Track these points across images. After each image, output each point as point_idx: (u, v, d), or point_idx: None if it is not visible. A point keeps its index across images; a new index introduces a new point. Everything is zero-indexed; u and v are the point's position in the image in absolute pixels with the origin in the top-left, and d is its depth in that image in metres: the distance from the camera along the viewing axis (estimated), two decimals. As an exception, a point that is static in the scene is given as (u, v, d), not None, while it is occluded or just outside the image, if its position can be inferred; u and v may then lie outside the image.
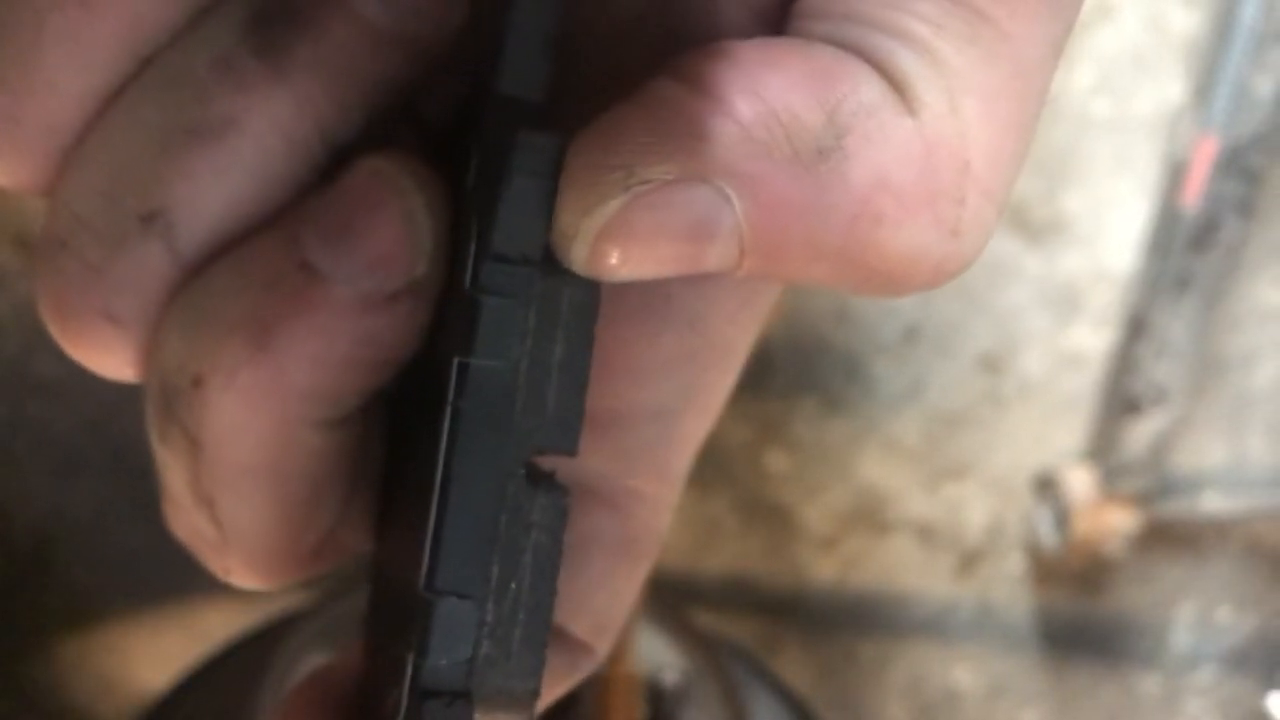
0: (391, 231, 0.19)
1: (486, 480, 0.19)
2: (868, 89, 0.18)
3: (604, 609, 0.24)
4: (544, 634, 0.20)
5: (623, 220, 0.18)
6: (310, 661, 0.78)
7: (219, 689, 0.83)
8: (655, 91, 0.19)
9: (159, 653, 1.09)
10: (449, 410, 0.19)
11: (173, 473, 0.20)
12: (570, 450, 0.20)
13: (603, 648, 0.24)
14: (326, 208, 0.19)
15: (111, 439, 1.05)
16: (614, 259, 0.19)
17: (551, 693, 0.24)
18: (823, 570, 1.15)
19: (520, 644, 0.20)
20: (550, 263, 0.19)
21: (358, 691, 0.24)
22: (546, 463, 0.21)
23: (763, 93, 0.18)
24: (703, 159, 0.18)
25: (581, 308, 0.20)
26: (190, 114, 0.19)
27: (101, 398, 1.02)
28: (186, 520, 0.21)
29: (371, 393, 0.20)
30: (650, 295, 0.22)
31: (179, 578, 1.09)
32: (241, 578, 0.22)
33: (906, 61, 0.18)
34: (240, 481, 0.20)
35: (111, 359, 0.20)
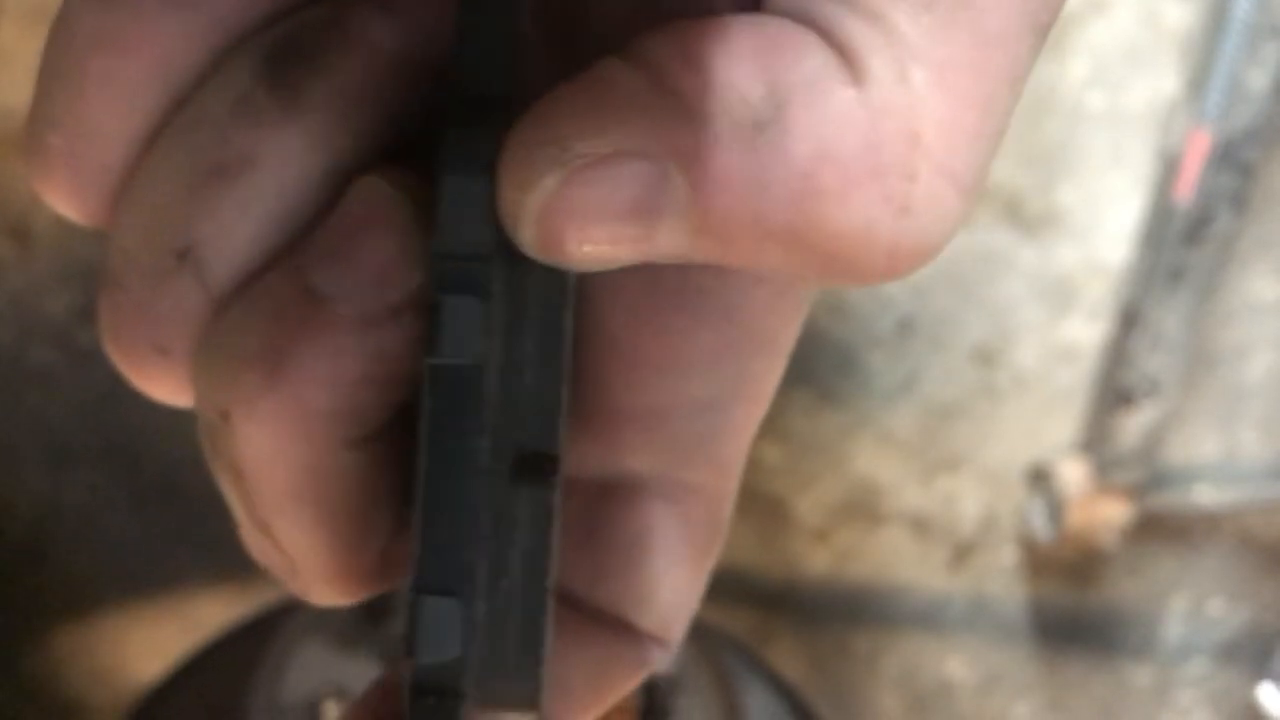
0: (383, 245, 0.19)
1: (462, 479, 0.19)
2: (811, 59, 0.17)
3: (670, 602, 0.24)
4: (541, 633, 0.20)
5: (563, 197, 0.18)
6: (304, 652, 0.78)
7: (213, 678, 0.83)
8: (598, 70, 0.18)
9: (154, 642, 1.09)
10: (423, 412, 0.19)
11: (231, 500, 0.21)
12: (550, 446, 0.20)
13: (674, 638, 0.24)
14: (324, 232, 0.20)
15: (107, 429, 1.05)
16: (563, 240, 0.18)
17: (626, 684, 0.24)
18: (816, 562, 1.15)
19: (516, 643, 0.20)
20: (513, 255, 0.19)
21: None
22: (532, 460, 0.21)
23: (702, 66, 0.18)
24: (639, 132, 0.18)
25: (551, 298, 0.20)
26: (213, 153, 0.20)
27: (97, 387, 1.02)
28: (257, 545, 0.22)
29: (395, 406, 0.20)
30: (683, 289, 0.22)
31: (174, 567, 1.09)
32: (319, 596, 0.22)
33: (855, 30, 0.17)
34: (286, 506, 0.21)
35: (167, 388, 0.21)
